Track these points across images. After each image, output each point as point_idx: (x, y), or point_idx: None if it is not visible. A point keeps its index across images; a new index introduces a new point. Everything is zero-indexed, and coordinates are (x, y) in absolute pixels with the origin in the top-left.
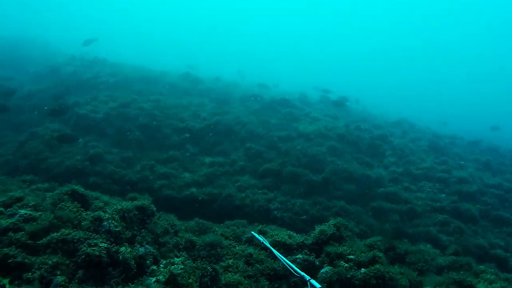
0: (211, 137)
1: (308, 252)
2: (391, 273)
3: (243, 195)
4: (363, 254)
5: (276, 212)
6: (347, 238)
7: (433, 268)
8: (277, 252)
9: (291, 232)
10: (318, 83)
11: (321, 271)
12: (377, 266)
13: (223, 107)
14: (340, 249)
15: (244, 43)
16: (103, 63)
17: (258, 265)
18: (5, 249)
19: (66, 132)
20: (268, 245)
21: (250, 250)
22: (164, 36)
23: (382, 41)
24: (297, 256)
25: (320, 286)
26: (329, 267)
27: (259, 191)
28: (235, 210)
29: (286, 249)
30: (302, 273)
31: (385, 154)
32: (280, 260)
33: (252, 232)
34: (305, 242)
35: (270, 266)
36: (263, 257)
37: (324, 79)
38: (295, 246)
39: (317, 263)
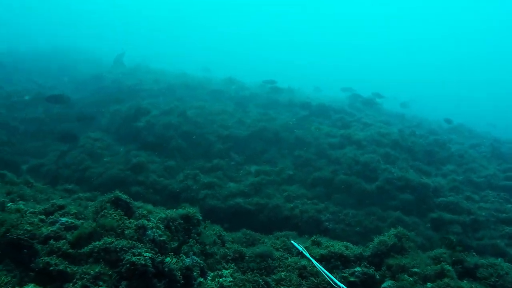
0: (257, 144)
1: (367, 265)
2: None
3: (292, 205)
4: (428, 267)
5: (327, 223)
6: (409, 250)
7: (509, 284)
8: (316, 262)
9: (348, 243)
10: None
11: (383, 285)
12: (446, 280)
13: (269, 113)
14: (403, 261)
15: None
16: (145, 70)
17: (313, 279)
18: (46, 257)
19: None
20: (307, 254)
21: (304, 262)
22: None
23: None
24: (355, 269)
25: None
26: (391, 281)
27: (309, 201)
28: (283, 222)
29: (343, 261)
30: (343, 286)
31: (443, 161)
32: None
33: (292, 241)
34: (363, 253)
35: (327, 280)
36: (334, 278)
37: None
38: (352, 258)
39: (378, 276)
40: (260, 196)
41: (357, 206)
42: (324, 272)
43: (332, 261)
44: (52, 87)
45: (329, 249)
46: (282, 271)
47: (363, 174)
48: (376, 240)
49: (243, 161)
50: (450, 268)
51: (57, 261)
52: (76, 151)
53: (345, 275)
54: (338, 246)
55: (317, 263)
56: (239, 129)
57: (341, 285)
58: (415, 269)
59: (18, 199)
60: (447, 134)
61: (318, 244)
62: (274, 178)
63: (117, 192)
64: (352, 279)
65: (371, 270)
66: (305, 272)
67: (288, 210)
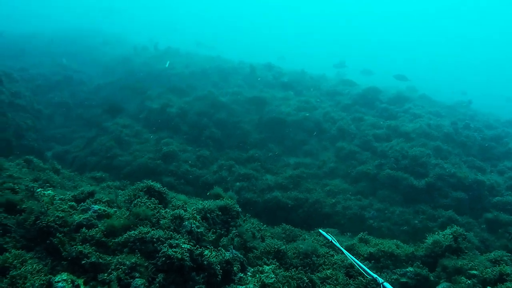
0: (297, 135)
1: (421, 265)
2: None
3: (334, 201)
4: (488, 269)
5: (371, 221)
6: (466, 251)
7: None
8: (348, 253)
9: (398, 242)
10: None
11: (437, 287)
12: (508, 284)
13: (311, 101)
14: (459, 262)
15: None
16: (176, 53)
17: (362, 278)
18: (78, 246)
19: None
20: (338, 245)
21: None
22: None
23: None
24: (407, 269)
25: None
26: (446, 283)
27: (352, 197)
28: (323, 218)
29: (394, 261)
30: (375, 275)
31: (500, 157)
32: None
33: (320, 230)
34: (415, 253)
35: (376, 280)
36: (367, 268)
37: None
38: (403, 258)
39: (432, 278)
40: (299, 190)
41: (404, 204)
42: (357, 263)
43: (381, 260)
44: (78, 71)
45: (378, 247)
46: (328, 269)
47: (411, 169)
48: (429, 239)
49: (281, 152)
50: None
51: (90, 250)
52: (104, 137)
53: (395, 276)
54: (388, 244)
55: (348, 253)
56: (278, 118)
57: (374, 275)
58: (473, 271)
59: (47, 185)
60: (504, 128)
61: (365, 241)
62: (314, 171)
63: (150, 181)
64: (404, 280)
65: (424, 271)
66: (352, 271)
67: (330, 206)
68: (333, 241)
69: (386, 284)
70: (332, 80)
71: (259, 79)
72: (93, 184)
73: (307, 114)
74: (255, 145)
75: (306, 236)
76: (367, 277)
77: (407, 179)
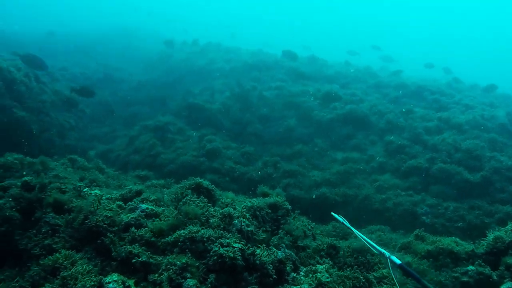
0: (343, 129)
1: (482, 263)
2: None
3: (384, 197)
4: None
5: (424, 217)
6: None
7: None
8: (357, 231)
9: (457, 238)
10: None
11: (502, 287)
12: None
13: (357, 94)
14: None
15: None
16: (217, 48)
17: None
18: (128, 246)
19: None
20: (348, 225)
21: (408, 258)
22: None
23: None
24: (467, 268)
25: (400, 261)
26: (511, 283)
27: (403, 193)
28: (374, 215)
29: (453, 259)
30: (382, 250)
31: None
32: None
33: (332, 213)
34: (475, 251)
35: (436, 279)
36: (425, 267)
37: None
38: (463, 256)
39: (495, 277)
40: (347, 186)
41: (459, 199)
42: (365, 239)
43: (440, 259)
44: (119, 69)
45: (436, 244)
46: (384, 267)
47: (465, 163)
48: (490, 235)
49: (327, 147)
50: None
51: (140, 250)
52: (146, 135)
53: (456, 274)
54: (447, 242)
55: (357, 232)
56: (323, 112)
57: (381, 249)
58: None
59: (94, 184)
60: None
61: (422, 239)
62: (363, 167)
63: (198, 178)
64: (465, 279)
65: (487, 270)
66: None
67: (380, 202)
68: (344, 222)
69: (392, 257)
70: (378, 72)
71: (302, 72)
72: (138, 183)
73: (354, 107)
74: (300, 140)
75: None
76: (375, 252)
77: (461, 173)
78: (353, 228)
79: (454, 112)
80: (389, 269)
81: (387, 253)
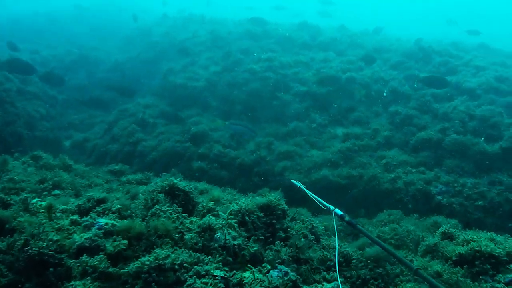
0: (343, 101)
1: None
2: None
3: (393, 176)
4: None
5: (440, 197)
6: None
7: None
8: (308, 191)
9: (493, 234)
10: None
11: None
12: None
13: (355, 62)
14: None
15: None
16: (200, 20)
17: None
18: (77, 281)
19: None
20: (304, 188)
21: (437, 266)
22: None
23: None
24: None
25: (341, 212)
26: None
27: (414, 170)
28: (382, 197)
29: (494, 264)
30: (328, 205)
31: None
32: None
33: (292, 180)
34: None
35: None
36: (459, 276)
37: None
38: (505, 258)
39: None
40: (351, 165)
41: (477, 174)
42: (313, 196)
43: (477, 264)
44: (95, 48)
45: (470, 245)
46: (408, 281)
47: (481, 132)
48: None
49: (326, 122)
50: None
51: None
52: (125, 121)
53: (500, 286)
54: (482, 241)
55: (310, 193)
56: (319, 83)
57: (327, 204)
58: None
59: (56, 187)
60: None
61: (450, 237)
62: (367, 142)
63: (172, 176)
64: None
65: None
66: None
67: (389, 182)
68: (301, 186)
69: (336, 210)
70: (373, 35)
71: (294, 40)
72: (111, 180)
73: (353, 75)
74: (295, 116)
75: (369, 228)
76: (323, 208)
77: (478, 144)
78: (307, 190)
79: (465, 75)
80: (334, 222)
81: (331, 207)
